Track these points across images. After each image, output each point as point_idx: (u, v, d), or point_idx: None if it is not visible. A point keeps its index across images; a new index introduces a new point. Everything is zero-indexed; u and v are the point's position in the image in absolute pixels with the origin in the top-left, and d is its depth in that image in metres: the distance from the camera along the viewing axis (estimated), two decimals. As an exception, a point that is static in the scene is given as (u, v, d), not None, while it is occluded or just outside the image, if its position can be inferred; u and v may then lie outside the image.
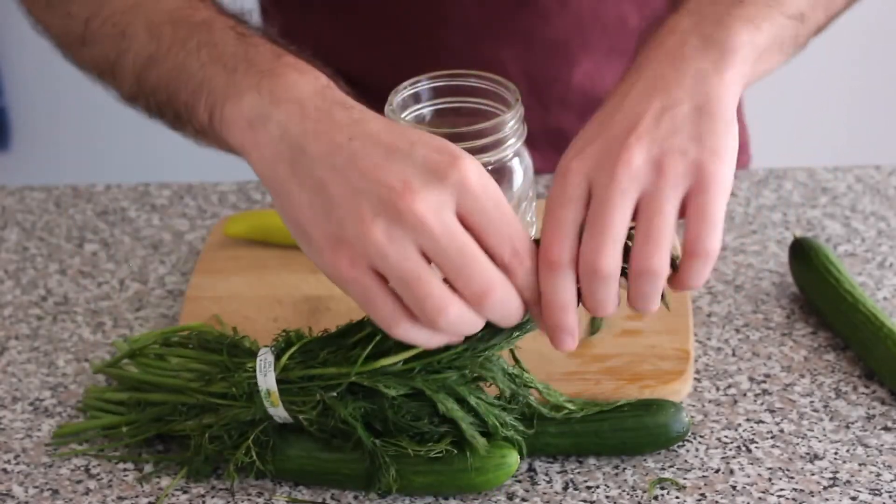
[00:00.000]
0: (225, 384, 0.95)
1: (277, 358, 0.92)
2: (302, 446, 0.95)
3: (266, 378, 0.92)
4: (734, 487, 0.95)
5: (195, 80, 0.91)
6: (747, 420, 1.00)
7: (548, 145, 1.29)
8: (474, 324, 0.85)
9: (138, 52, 0.95)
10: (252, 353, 0.95)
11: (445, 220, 0.83)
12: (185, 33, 0.94)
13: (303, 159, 0.85)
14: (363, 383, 0.91)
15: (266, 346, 0.94)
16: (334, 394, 0.91)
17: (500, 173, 0.99)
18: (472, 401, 0.92)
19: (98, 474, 0.98)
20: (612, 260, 0.85)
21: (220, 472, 0.97)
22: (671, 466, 0.97)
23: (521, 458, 0.95)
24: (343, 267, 0.84)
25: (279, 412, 0.93)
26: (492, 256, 0.84)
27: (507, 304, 0.85)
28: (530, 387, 0.95)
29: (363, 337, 0.92)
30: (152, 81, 0.94)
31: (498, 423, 0.93)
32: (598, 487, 0.95)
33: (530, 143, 1.01)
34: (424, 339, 0.86)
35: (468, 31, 1.24)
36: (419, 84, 1.01)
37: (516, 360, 0.95)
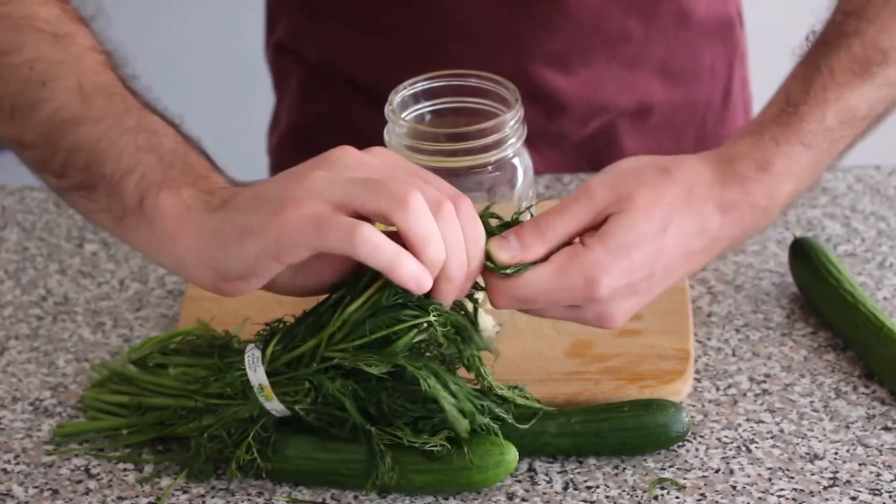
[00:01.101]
0: (220, 385, 0.95)
1: (263, 351, 0.93)
2: (300, 447, 0.95)
3: (256, 373, 0.92)
4: (734, 487, 0.95)
5: (128, 161, 0.91)
6: (747, 420, 1.00)
7: (548, 146, 1.29)
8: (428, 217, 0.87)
9: (61, 107, 0.94)
10: (242, 352, 0.95)
11: (376, 159, 0.89)
12: (121, 109, 0.93)
13: (234, 197, 0.89)
14: (345, 364, 0.90)
15: (251, 342, 0.94)
16: (316, 366, 0.91)
17: (501, 173, 0.99)
18: (451, 384, 0.91)
19: (98, 474, 0.98)
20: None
21: (221, 472, 0.97)
22: (671, 466, 0.97)
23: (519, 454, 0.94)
24: (291, 213, 0.85)
25: (275, 405, 0.93)
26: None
27: (467, 221, 0.88)
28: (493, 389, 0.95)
29: (333, 303, 0.92)
30: (69, 141, 0.93)
31: (475, 410, 0.92)
32: (598, 487, 0.95)
33: (530, 143, 1.01)
34: (387, 246, 0.85)
35: (469, 38, 1.25)
36: (419, 84, 1.01)
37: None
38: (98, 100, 0.94)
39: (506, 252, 0.90)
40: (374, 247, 0.85)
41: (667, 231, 0.92)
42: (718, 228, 0.95)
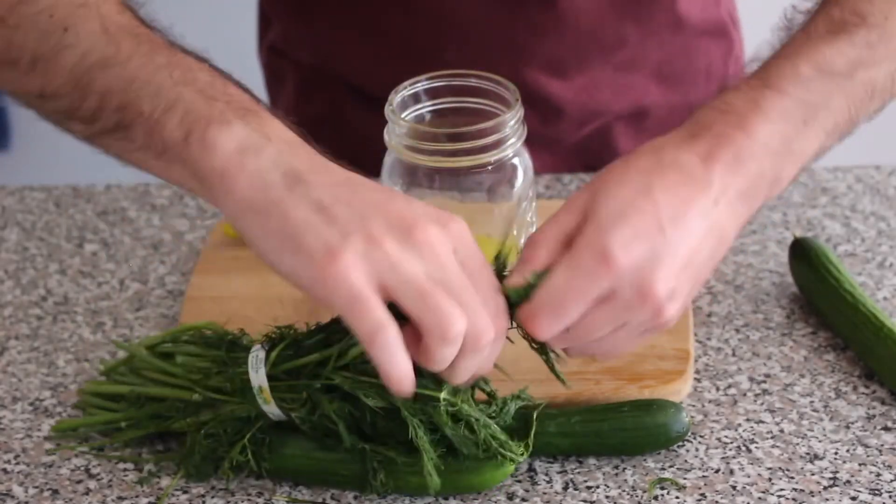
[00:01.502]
0: (221, 379, 0.95)
1: (268, 354, 0.92)
2: (299, 445, 0.95)
3: (258, 374, 0.92)
4: (734, 487, 0.95)
5: (167, 96, 0.89)
6: (747, 420, 1.00)
7: (543, 149, 1.29)
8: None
9: (87, 51, 0.92)
10: (248, 350, 0.95)
11: (452, 256, 0.85)
12: (149, 48, 0.92)
13: (300, 185, 0.86)
14: (344, 387, 0.90)
15: (258, 343, 0.94)
16: (318, 385, 0.91)
17: (501, 173, 0.99)
18: (448, 431, 0.91)
19: (98, 474, 0.98)
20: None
21: (221, 471, 0.97)
22: (671, 466, 0.97)
23: (528, 449, 0.94)
24: (336, 272, 0.83)
25: (273, 409, 0.93)
26: None
27: (490, 351, 0.87)
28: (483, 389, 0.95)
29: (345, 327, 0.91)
30: (101, 84, 0.92)
31: (492, 439, 0.92)
32: (598, 487, 0.95)
33: (528, 145, 1.01)
34: (400, 359, 0.84)
35: (466, 42, 1.25)
36: (419, 84, 1.01)
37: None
38: (124, 40, 0.92)
39: (516, 277, 0.90)
40: (388, 355, 0.84)
41: (652, 188, 0.89)
42: (705, 173, 0.90)
